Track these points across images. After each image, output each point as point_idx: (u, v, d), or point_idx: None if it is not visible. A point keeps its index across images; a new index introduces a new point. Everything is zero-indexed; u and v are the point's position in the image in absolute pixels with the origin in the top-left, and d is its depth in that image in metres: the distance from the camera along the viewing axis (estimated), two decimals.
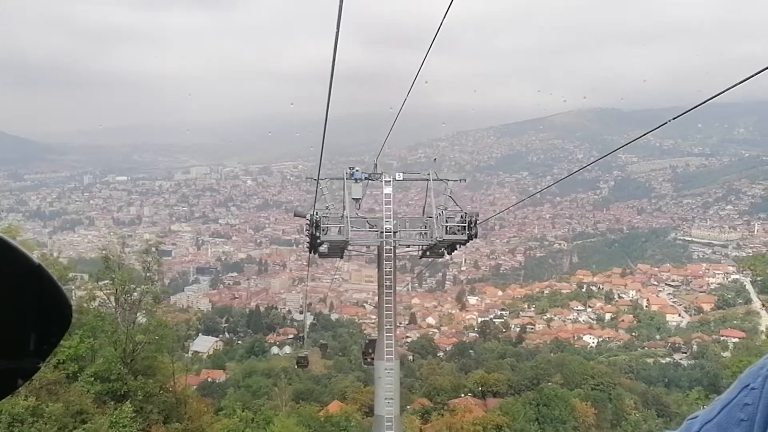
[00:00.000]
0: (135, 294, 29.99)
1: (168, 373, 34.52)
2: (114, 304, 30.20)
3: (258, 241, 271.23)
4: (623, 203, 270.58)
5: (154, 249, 33.36)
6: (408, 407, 64.91)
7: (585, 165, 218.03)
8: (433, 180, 23.55)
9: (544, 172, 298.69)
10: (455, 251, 26.04)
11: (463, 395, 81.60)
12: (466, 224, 22.19)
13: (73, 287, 31.77)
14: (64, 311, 1.45)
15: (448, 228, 22.17)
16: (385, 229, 21.62)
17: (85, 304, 30.32)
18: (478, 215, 23.88)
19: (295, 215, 29.01)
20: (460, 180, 25.67)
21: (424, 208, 23.77)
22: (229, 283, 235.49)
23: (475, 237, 23.13)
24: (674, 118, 12.19)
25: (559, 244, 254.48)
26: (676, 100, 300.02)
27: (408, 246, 24.19)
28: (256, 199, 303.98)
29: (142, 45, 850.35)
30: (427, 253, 24.88)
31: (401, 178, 23.83)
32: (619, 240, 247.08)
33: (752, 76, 9.13)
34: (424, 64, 12.57)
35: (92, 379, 26.87)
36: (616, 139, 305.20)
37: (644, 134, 15.15)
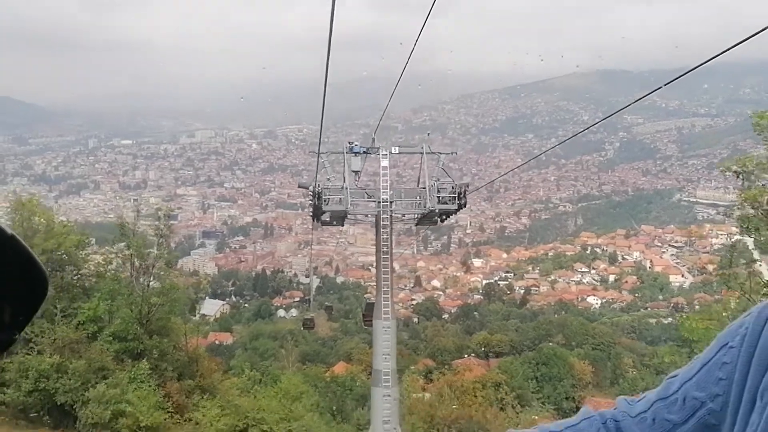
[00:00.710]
0: (149, 259, 31.63)
1: (180, 333, 36.43)
2: (129, 269, 31.86)
3: (264, 204, 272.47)
4: (628, 165, 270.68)
5: (164, 215, 34.95)
6: (412, 368, 66.77)
7: (589, 126, 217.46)
8: (427, 153, 24.98)
9: (549, 134, 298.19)
10: (448, 218, 27.61)
11: (466, 356, 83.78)
12: (456, 195, 23.81)
13: (90, 252, 33.53)
14: (40, 282, 1.41)
15: (440, 198, 23.76)
16: (382, 199, 23.19)
17: (102, 269, 32.08)
18: (468, 186, 25.67)
19: (299, 186, 30.68)
20: (452, 153, 27.12)
21: (418, 179, 25.29)
22: (235, 247, 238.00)
23: (464, 206, 24.84)
24: (679, 77, 11.63)
25: (564, 206, 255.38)
26: (684, 60, 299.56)
27: (404, 215, 25.73)
28: (262, 162, 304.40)
29: (146, 7, 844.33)
30: (422, 220, 26.42)
31: (397, 152, 25.30)
32: (624, 202, 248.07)
33: (757, 34, 8.91)
34: (428, 27, 12.44)
35: (111, 338, 28.74)
36: (622, 100, 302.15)
37: (647, 94, 14.96)
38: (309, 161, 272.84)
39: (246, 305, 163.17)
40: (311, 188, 24.82)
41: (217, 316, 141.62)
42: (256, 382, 45.15)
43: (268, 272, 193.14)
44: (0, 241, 1.31)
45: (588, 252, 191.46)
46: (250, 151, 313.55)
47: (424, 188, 24.29)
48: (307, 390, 46.54)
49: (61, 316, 27.13)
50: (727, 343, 1.60)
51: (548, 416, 46.96)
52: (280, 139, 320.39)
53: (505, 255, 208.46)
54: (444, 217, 26.66)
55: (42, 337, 25.52)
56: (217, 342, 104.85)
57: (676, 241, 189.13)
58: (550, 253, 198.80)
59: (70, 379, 24.11)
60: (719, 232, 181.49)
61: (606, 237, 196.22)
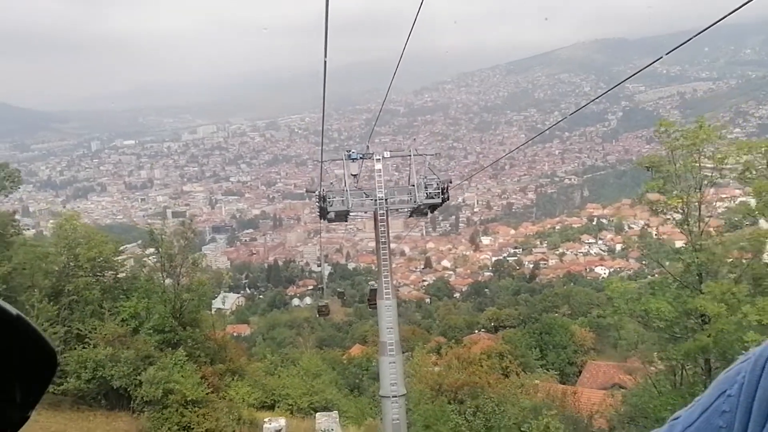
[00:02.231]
0: (177, 258, 36.25)
1: (208, 324, 41.17)
2: (160, 270, 36.46)
3: (271, 196, 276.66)
4: (632, 134, 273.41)
5: (189, 221, 39.49)
6: (425, 345, 70.53)
7: (593, 99, 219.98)
8: (414, 155, 29.46)
9: (551, 108, 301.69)
10: (437, 209, 32.20)
11: (476, 331, 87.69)
12: (440, 190, 28.41)
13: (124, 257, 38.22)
14: (48, 359, 1.41)
15: (427, 194, 28.30)
16: (378, 197, 27.77)
17: (137, 271, 36.83)
18: (450, 182, 30.35)
19: (306, 192, 35.27)
20: (436, 154, 31.57)
21: (408, 177, 29.76)
22: (245, 240, 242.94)
23: (448, 200, 29.42)
24: (682, 44, 11.52)
25: (570, 179, 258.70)
26: (682, 24, 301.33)
27: (398, 210, 30.34)
28: (266, 154, 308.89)
29: (135, 6, 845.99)
30: (414, 212, 30.97)
31: (389, 156, 29.77)
32: (629, 171, 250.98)
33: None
34: (424, 6, 12.36)
35: (151, 331, 33.27)
36: (623, 69, 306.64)
37: (650, 63, 14.99)
38: (313, 150, 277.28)
39: (260, 296, 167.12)
40: (317, 193, 29.46)
41: (233, 309, 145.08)
42: (278, 365, 49.88)
43: (280, 263, 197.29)
44: (6, 320, 1.31)
45: (594, 223, 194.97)
46: (254, 143, 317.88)
47: (413, 185, 28.76)
48: (326, 369, 51.28)
49: (109, 315, 31.73)
50: (725, 391, 1.60)
51: (549, 379, 51.28)
52: (282, 130, 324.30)
53: (513, 231, 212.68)
54: (432, 209, 31.17)
55: (94, 332, 30.14)
56: (234, 334, 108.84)
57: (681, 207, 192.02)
58: (557, 227, 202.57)
59: (123, 367, 28.74)
60: (723, 195, 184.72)
61: (612, 207, 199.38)
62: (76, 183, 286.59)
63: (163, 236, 36.73)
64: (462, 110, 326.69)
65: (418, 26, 13.34)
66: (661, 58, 13.28)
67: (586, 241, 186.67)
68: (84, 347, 29.77)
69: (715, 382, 1.65)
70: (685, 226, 26.65)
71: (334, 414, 34.28)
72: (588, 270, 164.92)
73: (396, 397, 28.15)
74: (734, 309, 21.51)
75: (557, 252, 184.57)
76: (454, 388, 42.54)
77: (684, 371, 26.83)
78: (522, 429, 28.80)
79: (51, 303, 30.57)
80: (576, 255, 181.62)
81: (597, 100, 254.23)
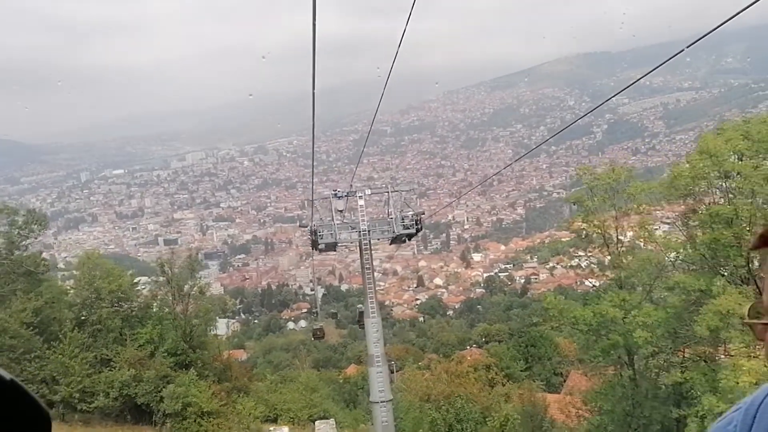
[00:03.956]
0: (185, 288, 40.96)
1: (214, 346, 45.86)
2: (170, 299, 41.17)
3: (261, 220, 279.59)
4: (617, 145, 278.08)
5: (198, 254, 44.18)
6: (418, 363, 74.42)
7: (582, 115, 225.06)
8: (392, 192, 34.42)
9: (537, 122, 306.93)
10: (413, 238, 37.17)
11: (468, 347, 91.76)
12: (414, 222, 33.37)
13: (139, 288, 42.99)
14: (42, 424, 1.42)
15: (404, 225, 33.20)
16: (362, 229, 32.66)
17: (149, 301, 41.58)
18: (423, 213, 35.50)
19: (300, 226, 40.21)
20: (411, 189, 36.65)
21: (388, 211, 34.69)
22: (238, 265, 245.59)
23: (421, 230, 34.52)
24: (674, 56, 11.37)
25: (558, 192, 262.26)
26: (664, 36, 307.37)
27: (378, 239, 35.25)
28: (255, 179, 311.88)
29: (117, 37, 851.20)
30: (394, 240, 35.88)
31: (369, 194, 34.72)
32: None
33: (743, 10, 9.20)
34: (409, 28, 12.42)
35: (165, 354, 37.92)
36: (606, 82, 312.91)
37: (639, 79, 14.94)
38: (303, 173, 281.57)
39: (255, 321, 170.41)
40: (309, 228, 34.40)
41: (229, 334, 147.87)
42: (278, 383, 54.45)
43: (273, 287, 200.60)
44: (0, 386, 1.32)
45: (583, 237, 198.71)
46: (243, 168, 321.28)
47: (392, 218, 33.66)
48: (323, 385, 55.88)
49: (130, 341, 36.31)
50: None
51: (532, 388, 55.74)
52: (271, 154, 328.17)
53: (503, 247, 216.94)
54: (408, 237, 36.10)
55: (118, 356, 34.75)
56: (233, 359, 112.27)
57: (667, 217, 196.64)
58: (547, 241, 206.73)
59: (146, 385, 33.42)
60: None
61: (599, 220, 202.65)
62: (67, 214, 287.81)
63: (172, 268, 41.47)
64: (448, 128, 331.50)
65: (403, 47, 13.48)
66: (654, 70, 13.41)
67: (576, 255, 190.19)
68: (110, 370, 34.49)
69: (710, 430, 1.74)
70: (605, 248, 32.06)
71: (332, 421, 39.04)
72: (578, 283, 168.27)
73: (384, 402, 32.88)
74: (627, 312, 27.13)
75: (548, 266, 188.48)
76: (441, 398, 47.06)
77: (623, 369, 32.40)
78: (486, 419, 33.82)
79: (78, 332, 35.36)
80: (566, 269, 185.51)
81: (581, 112, 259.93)
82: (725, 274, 28.08)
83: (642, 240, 35.61)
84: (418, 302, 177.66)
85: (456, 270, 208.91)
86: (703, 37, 9.85)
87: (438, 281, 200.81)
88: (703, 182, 29.02)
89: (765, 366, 20.44)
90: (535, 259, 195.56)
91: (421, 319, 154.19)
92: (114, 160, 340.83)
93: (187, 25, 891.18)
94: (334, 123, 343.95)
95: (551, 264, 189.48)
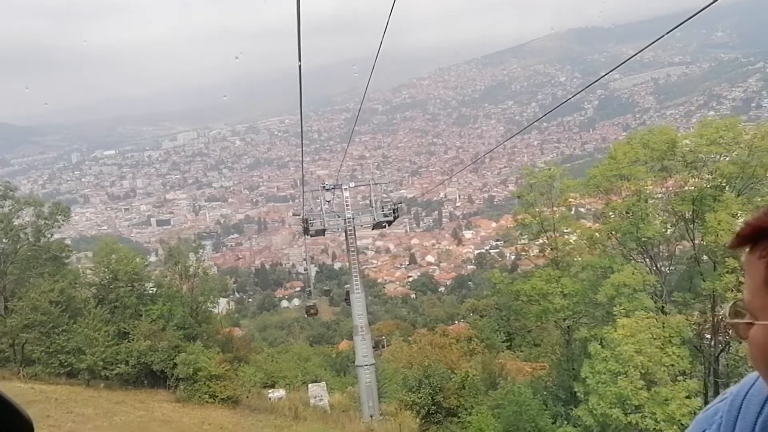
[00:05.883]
0: (191, 269, 46.73)
1: (217, 321, 51.70)
2: (178, 279, 46.88)
3: (254, 200, 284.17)
4: (608, 121, 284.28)
5: (202, 241, 49.94)
6: (409, 337, 79.88)
7: (576, 93, 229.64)
8: (374, 184, 40.23)
9: (528, 99, 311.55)
10: (393, 222, 43.02)
11: (457, 322, 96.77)
12: (392, 210, 39.25)
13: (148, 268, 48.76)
14: (24, 429, 1.45)
15: (383, 213, 39.03)
16: (347, 217, 38.49)
17: (160, 280, 47.20)
18: (400, 203, 41.44)
19: (293, 215, 46.34)
20: (389, 182, 42.79)
21: (370, 201, 40.47)
22: (231, 245, 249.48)
23: (398, 217, 40.40)
24: (670, 31, 11.04)
25: (549, 169, 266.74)
26: (656, 9, 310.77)
27: (362, 225, 41.06)
28: (247, 158, 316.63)
29: (107, 18, 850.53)
30: (375, 226, 41.71)
31: (353, 186, 40.53)
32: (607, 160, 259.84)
33: None
34: (398, 4, 11.63)
35: (175, 327, 43.46)
36: (597, 58, 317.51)
37: (633, 56, 14.28)
38: (295, 152, 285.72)
39: (250, 300, 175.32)
40: (301, 216, 40.25)
41: (224, 313, 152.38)
42: (274, 355, 60.44)
43: (267, 266, 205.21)
44: None
45: (572, 212, 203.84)
46: (234, 148, 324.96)
47: (372, 207, 39.50)
48: (315, 357, 61.86)
49: (145, 316, 41.92)
50: (704, 431, 1.69)
51: (510, 358, 61.49)
52: (262, 133, 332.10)
53: (494, 224, 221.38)
54: (388, 223, 41.89)
55: (134, 330, 40.44)
56: None
57: (657, 192, 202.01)
58: (537, 218, 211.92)
59: (161, 354, 39.10)
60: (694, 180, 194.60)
61: (589, 196, 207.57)
62: (59, 195, 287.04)
63: (180, 252, 47.33)
64: (440, 105, 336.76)
65: (392, 24, 13.12)
66: (649, 46, 13.24)
67: (566, 230, 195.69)
68: (128, 341, 40.28)
69: (694, 421, 1.77)
70: (543, 235, 38.48)
71: (323, 384, 44.99)
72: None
73: (367, 365, 38.76)
74: (551, 284, 33.56)
75: (538, 242, 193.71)
76: (423, 366, 52.64)
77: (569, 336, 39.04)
78: (451, 377, 39.89)
79: (100, 308, 41.28)
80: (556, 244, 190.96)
81: (572, 88, 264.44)
82: (624, 253, 36.04)
83: (567, 227, 44.88)
84: (410, 279, 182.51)
85: (448, 247, 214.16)
86: (699, 12, 9.73)
87: (430, 258, 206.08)
88: (609, 182, 36.67)
89: (637, 323, 27.28)
90: (526, 236, 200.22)
91: (413, 295, 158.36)
92: (105, 141, 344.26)
93: (177, 4, 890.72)
94: (326, 102, 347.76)
95: (541, 240, 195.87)
